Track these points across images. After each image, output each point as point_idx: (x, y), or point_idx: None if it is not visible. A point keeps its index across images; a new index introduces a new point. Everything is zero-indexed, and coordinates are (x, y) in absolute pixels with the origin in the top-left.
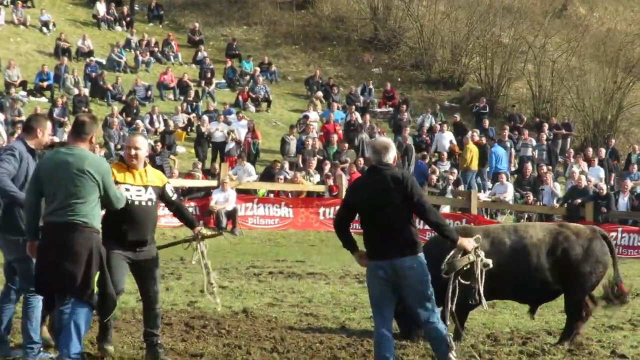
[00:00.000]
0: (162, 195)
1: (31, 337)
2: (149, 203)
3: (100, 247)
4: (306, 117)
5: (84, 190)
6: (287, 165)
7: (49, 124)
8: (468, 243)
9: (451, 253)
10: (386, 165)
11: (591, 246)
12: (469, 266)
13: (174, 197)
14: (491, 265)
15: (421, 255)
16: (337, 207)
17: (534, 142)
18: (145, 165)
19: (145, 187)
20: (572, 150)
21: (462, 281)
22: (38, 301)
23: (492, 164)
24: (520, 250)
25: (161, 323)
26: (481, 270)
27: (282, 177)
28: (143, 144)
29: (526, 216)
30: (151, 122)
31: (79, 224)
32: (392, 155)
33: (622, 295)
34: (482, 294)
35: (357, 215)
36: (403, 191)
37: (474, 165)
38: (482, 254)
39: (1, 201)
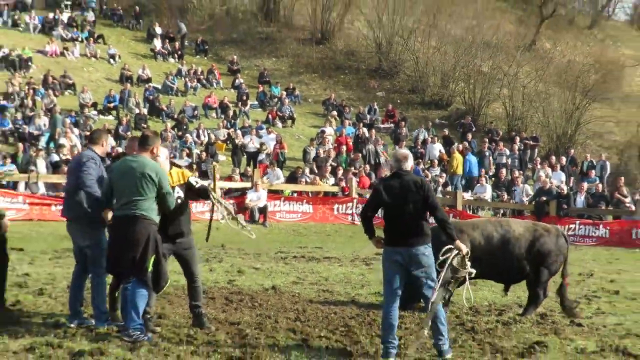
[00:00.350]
0: (188, 187)
1: (99, 308)
2: (179, 201)
3: (157, 235)
4: (323, 131)
5: (144, 190)
6: (307, 171)
7: (109, 137)
8: (464, 247)
9: (446, 247)
10: (406, 171)
11: (557, 241)
12: (456, 269)
13: (199, 184)
14: (473, 274)
15: (430, 244)
16: (349, 204)
17: (508, 152)
18: (170, 168)
19: (173, 188)
20: (539, 158)
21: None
22: (103, 279)
23: (466, 169)
24: (506, 242)
25: (205, 297)
26: (464, 277)
27: (303, 180)
28: (162, 152)
29: (502, 211)
30: (198, 136)
31: (140, 217)
32: (410, 164)
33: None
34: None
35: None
36: (421, 193)
37: (459, 171)
38: (469, 263)
39: (82, 199)
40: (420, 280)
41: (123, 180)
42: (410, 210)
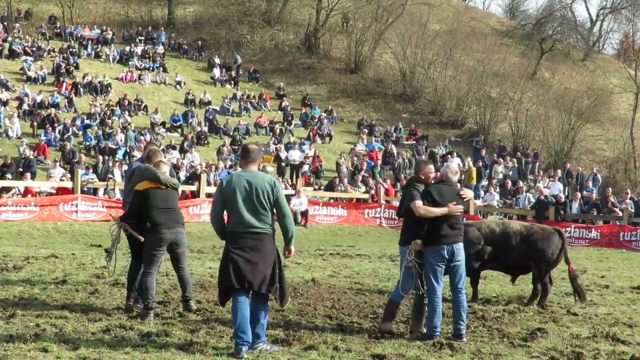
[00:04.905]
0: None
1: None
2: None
3: (279, 250)
4: (355, 147)
5: (267, 205)
6: (344, 180)
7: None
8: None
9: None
10: (452, 182)
11: (550, 237)
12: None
13: None
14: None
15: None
16: (377, 209)
17: (513, 165)
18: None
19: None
20: (541, 171)
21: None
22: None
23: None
24: (505, 235)
25: None
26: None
27: (338, 188)
28: (164, 168)
29: (508, 216)
30: None
31: (268, 234)
32: (457, 178)
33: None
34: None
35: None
36: (460, 202)
37: (473, 181)
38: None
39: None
40: (457, 273)
41: (237, 196)
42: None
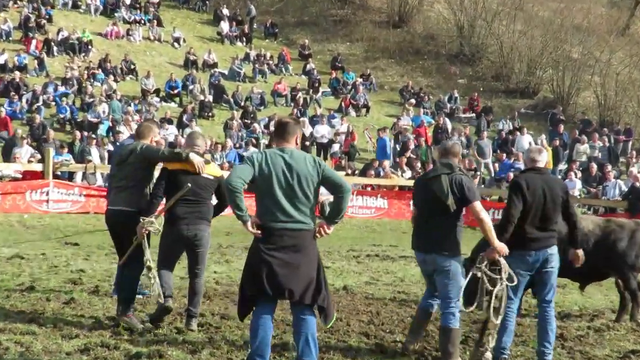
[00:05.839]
0: None
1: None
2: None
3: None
4: (399, 120)
5: (311, 193)
6: (385, 163)
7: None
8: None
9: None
10: (543, 169)
11: (635, 236)
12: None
13: None
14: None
15: None
16: None
17: (599, 145)
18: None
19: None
20: (634, 152)
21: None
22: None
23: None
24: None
25: None
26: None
27: (372, 172)
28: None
29: (592, 209)
30: (267, 126)
31: (310, 231)
32: (544, 158)
33: None
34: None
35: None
36: (564, 197)
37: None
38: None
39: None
40: (547, 283)
41: (277, 181)
42: (551, 210)
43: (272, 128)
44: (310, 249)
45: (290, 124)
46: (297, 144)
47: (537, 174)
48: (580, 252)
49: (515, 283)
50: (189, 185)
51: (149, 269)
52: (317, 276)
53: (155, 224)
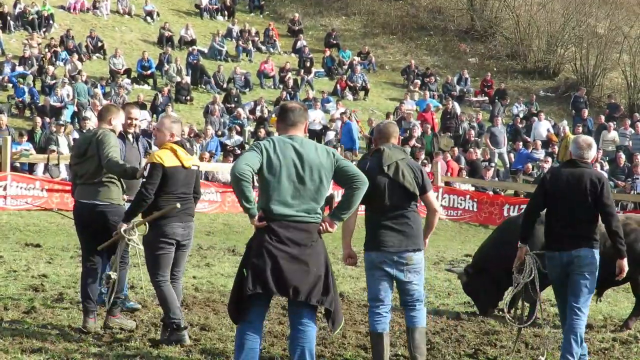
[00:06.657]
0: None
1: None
2: None
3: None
4: (401, 104)
5: (323, 185)
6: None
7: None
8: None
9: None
10: (586, 163)
11: None
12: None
13: None
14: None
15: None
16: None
17: (631, 132)
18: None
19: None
20: None
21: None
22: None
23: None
24: None
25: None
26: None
27: None
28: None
29: (620, 205)
30: (252, 111)
31: (317, 225)
32: (592, 154)
33: None
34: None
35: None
36: (596, 192)
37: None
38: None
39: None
40: (576, 287)
41: (286, 171)
42: (577, 207)
43: (257, 114)
44: (319, 245)
45: (299, 110)
46: (305, 132)
47: (568, 168)
48: (623, 262)
49: (530, 278)
50: (178, 205)
51: (108, 278)
52: (325, 275)
53: (135, 236)
